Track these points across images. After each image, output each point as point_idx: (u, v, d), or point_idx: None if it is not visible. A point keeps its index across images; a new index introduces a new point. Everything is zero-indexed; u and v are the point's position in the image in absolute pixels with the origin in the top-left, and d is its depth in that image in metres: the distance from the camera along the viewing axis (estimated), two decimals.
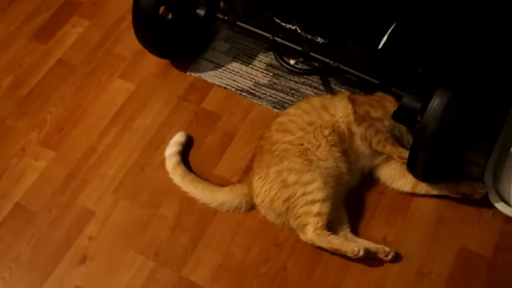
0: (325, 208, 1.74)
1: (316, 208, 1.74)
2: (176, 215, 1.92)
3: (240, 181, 1.95)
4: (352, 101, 1.89)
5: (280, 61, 2.00)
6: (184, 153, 2.02)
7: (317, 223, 1.73)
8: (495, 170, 1.90)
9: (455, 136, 1.69)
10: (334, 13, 1.77)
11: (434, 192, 1.87)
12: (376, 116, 1.87)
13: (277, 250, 1.83)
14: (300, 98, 2.14)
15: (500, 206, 1.84)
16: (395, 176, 1.90)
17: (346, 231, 1.81)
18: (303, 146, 1.82)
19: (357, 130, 1.85)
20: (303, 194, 1.75)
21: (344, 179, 1.85)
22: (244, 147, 2.06)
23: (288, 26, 1.92)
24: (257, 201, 1.85)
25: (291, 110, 1.95)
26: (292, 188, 1.77)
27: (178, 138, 2.03)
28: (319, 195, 1.75)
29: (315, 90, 2.16)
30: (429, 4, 1.68)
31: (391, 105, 1.90)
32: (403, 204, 1.90)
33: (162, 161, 2.02)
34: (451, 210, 1.87)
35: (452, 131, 1.67)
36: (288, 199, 1.77)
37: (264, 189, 1.82)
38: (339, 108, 1.88)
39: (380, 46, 1.69)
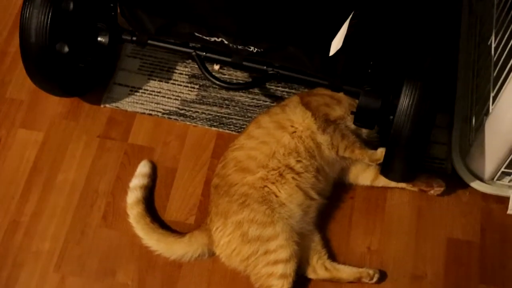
0: (289, 268, 1.56)
1: (280, 269, 1.56)
2: (138, 279, 1.68)
3: (198, 224, 1.72)
4: (306, 105, 1.69)
5: (212, 79, 1.74)
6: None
7: (282, 286, 1.56)
8: (461, 146, 1.80)
9: (430, 129, 1.55)
10: (271, 20, 1.54)
11: (392, 185, 1.76)
12: (336, 115, 1.68)
13: None
14: (236, 108, 1.92)
15: (475, 184, 1.76)
16: (359, 171, 1.76)
17: (323, 259, 1.64)
18: (265, 189, 1.62)
19: (323, 139, 1.66)
20: (265, 253, 1.57)
21: (316, 204, 1.68)
22: (190, 180, 1.82)
23: (213, 39, 1.67)
24: (217, 252, 1.66)
25: (244, 141, 1.69)
26: (254, 244, 1.58)
27: (141, 169, 1.77)
28: (282, 254, 1.56)
29: (250, 96, 1.94)
30: None
31: (344, 97, 1.72)
32: (378, 205, 1.77)
33: (103, 217, 1.76)
34: (428, 200, 1.76)
35: (428, 126, 1.53)
36: (248, 257, 1.59)
37: (222, 242, 1.62)
38: (297, 121, 1.66)
39: (332, 53, 1.49)
